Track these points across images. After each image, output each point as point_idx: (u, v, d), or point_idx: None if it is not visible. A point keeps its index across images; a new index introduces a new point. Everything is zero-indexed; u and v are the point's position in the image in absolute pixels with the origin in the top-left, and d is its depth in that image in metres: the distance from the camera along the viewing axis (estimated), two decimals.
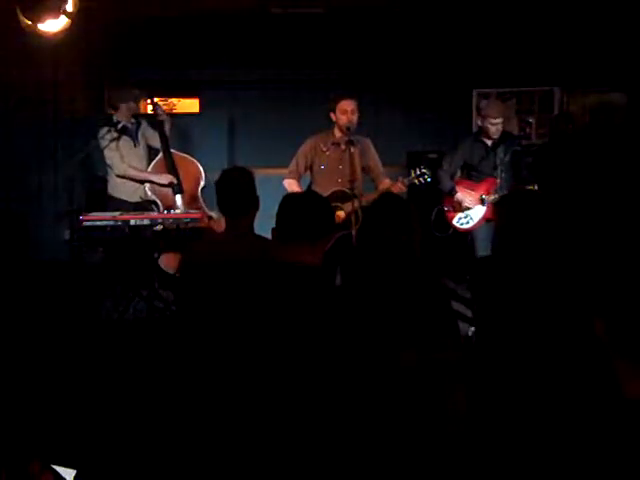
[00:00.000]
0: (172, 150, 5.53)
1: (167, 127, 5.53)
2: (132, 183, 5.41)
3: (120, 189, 5.44)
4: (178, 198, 5.41)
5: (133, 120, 5.51)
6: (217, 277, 2.62)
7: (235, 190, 2.93)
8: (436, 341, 2.03)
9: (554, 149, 5.60)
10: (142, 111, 5.69)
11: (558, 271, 2.59)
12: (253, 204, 2.96)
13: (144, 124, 5.61)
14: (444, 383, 2.01)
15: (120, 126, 5.36)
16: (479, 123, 5.36)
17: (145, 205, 5.41)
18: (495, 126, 5.07)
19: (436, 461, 1.97)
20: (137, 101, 5.54)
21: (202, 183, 5.56)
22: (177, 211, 5.26)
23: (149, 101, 5.75)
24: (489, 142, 5.13)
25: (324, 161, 4.71)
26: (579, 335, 2.21)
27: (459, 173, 5.37)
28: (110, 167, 5.37)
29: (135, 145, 5.48)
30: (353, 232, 4.37)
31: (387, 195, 2.68)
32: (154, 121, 5.57)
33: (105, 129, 5.30)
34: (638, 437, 1.19)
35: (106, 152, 5.31)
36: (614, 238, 4.62)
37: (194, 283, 2.88)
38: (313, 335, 2.02)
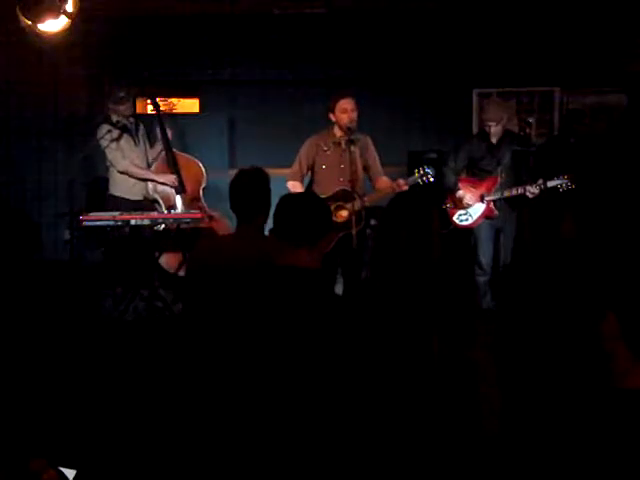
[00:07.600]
0: (174, 150, 5.52)
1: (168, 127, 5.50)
2: (132, 180, 5.40)
3: (120, 187, 5.42)
4: (178, 198, 5.40)
5: (132, 119, 5.49)
6: (218, 279, 2.62)
7: (244, 194, 2.83)
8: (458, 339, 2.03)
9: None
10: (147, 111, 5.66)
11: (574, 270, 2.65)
12: (261, 210, 2.82)
13: (143, 126, 5.56)
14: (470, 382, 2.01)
15: (120, 125, 5.36)
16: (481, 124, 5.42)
17: (147, 204, 5.40)
18: (494, 128, 5.11)
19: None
20: (127, 100, 5.42)
21: (203, 184, 5.57)
22: (176, 211, 5.25)
23: (149, 101, 5.72)
24: (493, 140, 5.16)
25: (325, 160, 4.70)
26: (580, 331, 2.29)
27: (464, 172, 5.39)
28: (111, 164, 5.36)
29: (136, 144, 5.47)
30: (353, 232, 4.37)
31: (403, 195, 2.64)
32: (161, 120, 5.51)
33: (105, 128, 5.30)
34: (633, 422, 1.31)
35: (107, 151, 5.31)
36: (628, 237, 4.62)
37: (198, 284, 2.87)
38: (312, 338, 2.02)
